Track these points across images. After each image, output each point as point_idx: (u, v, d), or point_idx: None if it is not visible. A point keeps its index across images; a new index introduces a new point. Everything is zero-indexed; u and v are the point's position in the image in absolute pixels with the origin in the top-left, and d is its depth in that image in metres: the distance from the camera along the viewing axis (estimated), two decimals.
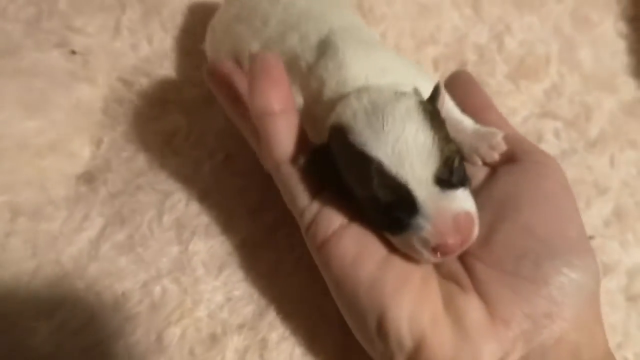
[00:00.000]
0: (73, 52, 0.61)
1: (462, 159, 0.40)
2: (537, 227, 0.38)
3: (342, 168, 0.38)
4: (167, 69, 0.62)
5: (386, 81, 0.41)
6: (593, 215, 0.54)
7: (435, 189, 0.36)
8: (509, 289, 0.36)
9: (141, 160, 0.55)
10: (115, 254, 0.50)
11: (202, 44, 0.59)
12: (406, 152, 0.35)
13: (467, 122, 0.44)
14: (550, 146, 0.58)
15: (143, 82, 0.60)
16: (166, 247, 0.51)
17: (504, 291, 0.36)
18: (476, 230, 0.37)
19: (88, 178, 0.54)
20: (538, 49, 0.64)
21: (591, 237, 0.52)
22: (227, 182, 0.54)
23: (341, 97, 0.40)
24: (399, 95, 0.38)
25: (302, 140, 0.40)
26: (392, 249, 0.38)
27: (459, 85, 0.50)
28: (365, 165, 0.36)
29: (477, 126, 0.44)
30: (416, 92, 0.39)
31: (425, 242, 0.36)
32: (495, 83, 0.62)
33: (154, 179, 0.54)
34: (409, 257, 0.38)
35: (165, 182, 0.54)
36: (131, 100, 0.59)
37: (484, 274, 0.38)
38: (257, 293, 0.49)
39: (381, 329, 0.36)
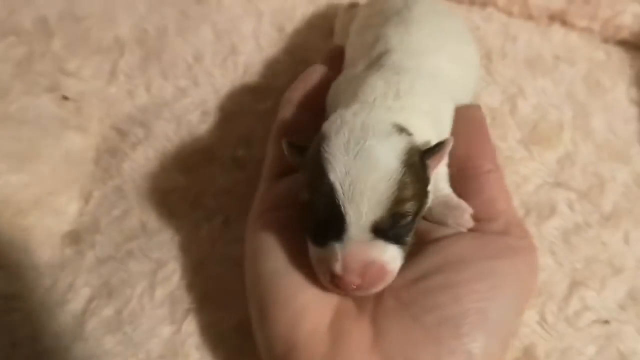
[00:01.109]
0: (65, 98, 0.58)
1: (416, 219, 0.39)
2: (463, 295, 0.38)
3: (306, 167, 0.39)
4: (165, 119, 0.59)
5: (401, 105, 0.42)
6: (607, 297, 0.51)
7: (367, 234, 0.37)
8: (402, 330, 0.37)
9: (134, 220, 0.52)
10: (102, 332, 0.46)
11: (204, 93, 0.56)
12: (361, 192, 0.36)
13: (443, 188, 0.44)
14: (564, 218, 0.55)
15: (139, 133, 0.57)
16: (158, 327, 0.47)
17: (398, 329, 0.37)
18: (383, 284, 0.37)
19: (74, 238, 0.51)
20: (551, 114, 0.62)
21: (606, 322, 0.50)
22: (224, 251, 0.51)
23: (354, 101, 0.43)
24: (392, 133, 0.38)
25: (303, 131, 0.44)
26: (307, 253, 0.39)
27: (466, 120, 0.48)
28: (321, 177, 0.37)
29: (449, 196, 0.44)
30: (413, 136, 0.39)
31: (329, 268, 0.37)
32: (507, 147, 0.60)
33: (147, 244, 0.50)
34: None
35: (159, 249, 0.50)
36: (125, 152, 0.56)
37: (390, 307, 0.38)
38: None
39: (263, 323, 0.38)
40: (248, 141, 0.58)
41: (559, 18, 0.71)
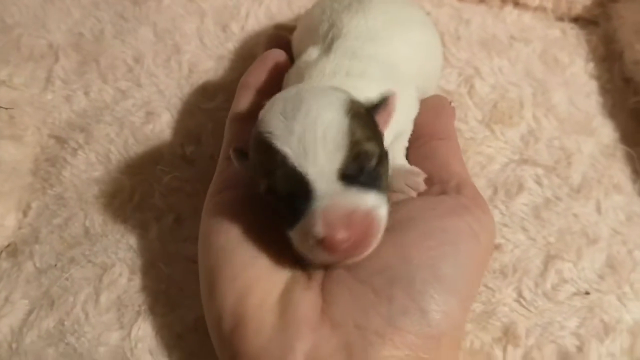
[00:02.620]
0: None
1: (382, 162, 0.37)
2: (413, 253, 0.37)
3: (251, 158, 0.37)
4: (107, 122, 0.56)
5: (350, 84, 0.40)
6: (585, 268, 0.49)
7: (338, 183, 0.34)
8: (351, 295, 0.36)
9: (76, 227, 0.49)
10: (43, 345, 0.42)
11: (147, 93, 0.53)
12: (312, 143, 0.34)
13: (398, 159, 0.44)
14: (533, 194, 0.54)
15: (79, 138, 0.55)
16: (104, 334, 0.43)
17: (346, 295, 0.36)
18: (376, 233, 0.35)
19: (12, 251, 0.47)
20: (510, 93, 0.61)
21: (586, 293, 0.48)
22: (177, 249, 0.48)
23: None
24: (330, 90, 0.37)
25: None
26: (263, 230, 0.38)
27: (432, 107, 0.49)
28: (267, 153, 0.35)
29: (403, 164, 0.44)
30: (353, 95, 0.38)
31: (314, 235, 0.34)
32: (468, 129, 0.58)
33: (90, 249, 0.47)
34: (272, 238, 0.37)
35: (103, 253, 0.47)
36: (65, 159, 0.53)
37: (339, 274, 0.37)
38: None
39: (211, 298, 0.37)
40: (197, 138, 0.55)
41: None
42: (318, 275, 0.37)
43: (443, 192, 0.41)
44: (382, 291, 0.35)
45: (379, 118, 0.38)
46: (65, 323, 0.43)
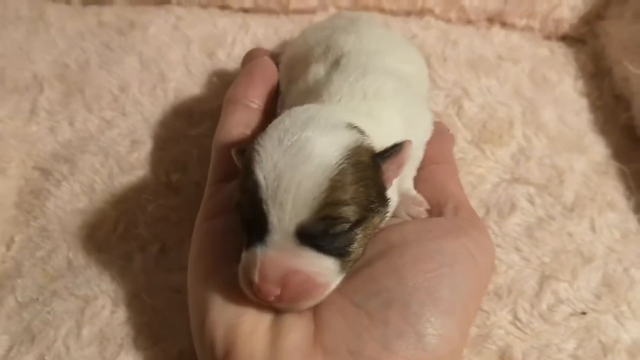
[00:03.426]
0: None
1: (360, 225, 0.35)
2: (409, 275, 0.36)
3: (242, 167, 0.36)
4: (92, 152, 0.55)
5: (368, 108, 0.39)
6: (581, 288, 0.49)
7: (292, 239, 0.33)
8: (345, 320, 0.35)
9: (59, 259, 0.48)
10: None
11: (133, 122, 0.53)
12: (285, 189, 0.32)
13: (406, 182, 0.43)
14: (525, 214, 0.53)
15: (63, 169, 0.54)
16: None
17: (339, 320, 0.35)
18: (310, 299, 0.34)
19: None
20: (499, 112, 0.61)
21: (583, 314, 0.47)
22: (162, 280, 0.47)
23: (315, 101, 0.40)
24: (338, 127, 0.35)
25: (253, 136, 0.42)
26: None
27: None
28: (249, 174, 0.34)
29: (409, 190, 0.43)
30: (368, 137, 0.36)
31: (249, 274, 0.34)
32: (458, 149, 0.57)
33: (73, 281, 0.46)
34: None
35: (86, 285, 0.46)
36: (49, 190, 0.53)
37: (332, 299, 0.36)
38: None
39: (202, 327, 0.36)
40: (183, 166, 0.55)
41: (497, 19, 0.71)
42: None
43: (440, 215, 0.41)
44: (377, 315, 0.34)
45: (388, 166, 0.36)
46: (46, 358, 0.42)
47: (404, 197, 0.41)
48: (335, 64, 0.45)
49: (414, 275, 0.35)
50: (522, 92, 0.64)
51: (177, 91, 0.61)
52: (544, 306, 0.46)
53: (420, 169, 0.45)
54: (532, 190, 0.55)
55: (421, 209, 0.41)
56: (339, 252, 0.34)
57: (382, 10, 0.71)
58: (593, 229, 0.52)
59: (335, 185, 0.32)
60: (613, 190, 0.56)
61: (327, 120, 0.35)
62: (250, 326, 0.35)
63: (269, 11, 0.70)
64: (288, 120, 0.35)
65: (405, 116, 0.41)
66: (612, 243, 0.52)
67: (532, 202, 0.54)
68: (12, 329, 0.44)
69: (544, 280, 0.48)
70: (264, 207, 0.33)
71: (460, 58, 0.66)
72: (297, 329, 0.35)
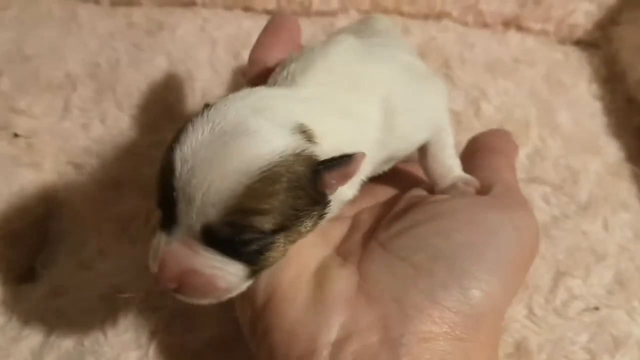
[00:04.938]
0: (16, 136, 0.56)
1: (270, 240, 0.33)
2: (456, 235, 0.36)
3: None
4: (122, 149, 0.57)
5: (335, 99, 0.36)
6: (594, 284, 0.50)
7: (197, 237, 0.31)
8: (390, 271, 0.35)
9: (92, 249, 0.50)
10: None
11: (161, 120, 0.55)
12: (196, 185, 0.30)
13: (455, 168, 0.42)
14: (541, 212, 0.54)
15: (95, 165, 0.56)
16: (123, 354, 0.43)
17: (384, 271, 0.35)
18: (208, 299, 0.33)
19: (29, 275, 0.48)
20: (516, 113, 0.62)
21: (596, 309, 0.48)
22: None
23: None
24: (279, 128, 0.32)
25: None
26: None
27: (496, 132, 0.50)
28: (168, 151, 0.31)
29: (459, 174, 0.42)
30: (317, 144, 0.33)
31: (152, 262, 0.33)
32: None
33: (106, 270, 0.48)
34: None
35: (119, 275, 0.47)
36: (82, 184, 0.54)
37: (377, 255, 0.36)
38: None
39: None
40: None
41: (513, 23, 0.72)
42: (354, 256, 0.37)
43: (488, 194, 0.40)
44: (423, 267, 0.34)
45: (330, 177, 0.33)
46: (85, 343, 0.44)
47: (451, 177, 0.41)
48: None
49: (461, 235, 0.35)
50: (537, 95, 0.65)
51: (204, 90, 0.63)
52: (558, 301, 0.48)
53: (477, 158, 0.45)
54: (547, 189, 0.56)
55: (470, 188, 0.41)
56: (248, 259, 0.32)
57: (401, 13, 0.73)
58: (606, 227, 0.54)
59: (250, 193, 0.30)
60: (625, 191, 0.57)
61: (275, 116, 0.32)
62: (294, 273, 0.35)
63: (292, 13, 0.72)
64: (235, 103, 0.32)
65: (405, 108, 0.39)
66: (625, 242, 0.53)
67: (547, 202, 0.56)
68: (50, 315, 0.45)
69: (558, 276, 0.49)
70: (174, 194, 0.31)
71: (477, 60, 0.68)
72: (341, 278, 0.35)
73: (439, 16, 0.73)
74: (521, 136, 0.60)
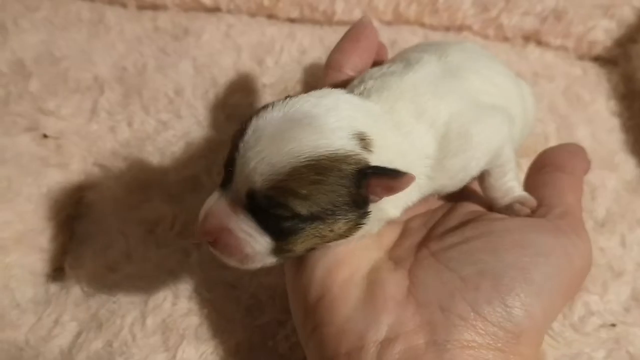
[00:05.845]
0: (45, 137, 0.57)
1: (302, 223, 0.35)
2: (505, 254, 0.37)
3: None
4: (149, 152, 0.58)
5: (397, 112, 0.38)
6: (611, 301, 0.51)
7: (241, 201, 0.35)
8: (439, 280, 0.36)
9: (119, 252, 0.50)
10: None
11: (187, 124, 0.55)
12: (256, 153, 0.33)
13: (514, 189, 0.43)
14: None
15: (122, 167, 0.56)
16: (151, 355, 0.44)
17: (433, 279, 0.36)
18: (234, 260, 0.36)
19: (58, 275, 0.49)
20: (536, 128, 0.62)
21: (613, 325, 0.49)
22: (217, 275, 0.49)
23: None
24: (338, 131, 0.35)
25: None
26: None
27: (568, 148, 0.50)
28: (240, 128, 0.36)
29: (512, 188, 0.43)
30: (372, 153, 0.35)
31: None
32: None
33: (134, 274, 0.49)
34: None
35: (148, 278, 0.48)
36: (109, 186, 0.55)
37: (427, 263, 0.38)
38: None
39: (300, 269, 0.38)
40: None
41: (533, 38, 0.72)
42: (406, 262, 0.38)
43: (544, 216, 0.41)
44: (470, 280, 0.36)
45: (375, 185, 0.35)
46: (114, 344, 0.44)
47: (509, 197, 0.42)
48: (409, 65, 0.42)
49: (511, 255, 0.37)
50: (556, 109, 0.66)
51: (227, 96, 0.63)
52: (575, 317, 0.49)
53: (544, 174, 0.45)
54: None
55: (525, 208, 0.42)
56: (276, 235, 0.35)
57: (422, 25, 0.73)
58: (624, 244, 0.54)
59: (294, 175, 0.33)
60: None
61: (342, 118, 0.35)
62: (347, 273, 0.37)
63: (314, 21, 0.73)
64: (312, 98, 0.36)
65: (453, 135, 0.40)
66: None
67: None
68: (79, 316, 0.46)
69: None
70: (236, 156, 0.35)
71: None
72: (392, 281, 0.37)
73: (460, 29, 0.73)
74: (540, 150, 0.60)
